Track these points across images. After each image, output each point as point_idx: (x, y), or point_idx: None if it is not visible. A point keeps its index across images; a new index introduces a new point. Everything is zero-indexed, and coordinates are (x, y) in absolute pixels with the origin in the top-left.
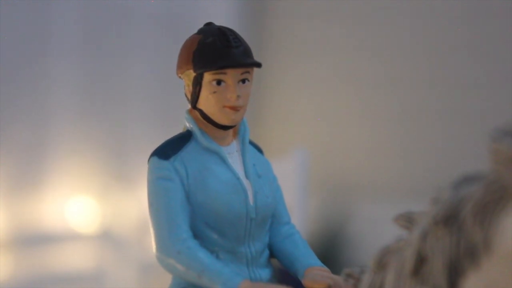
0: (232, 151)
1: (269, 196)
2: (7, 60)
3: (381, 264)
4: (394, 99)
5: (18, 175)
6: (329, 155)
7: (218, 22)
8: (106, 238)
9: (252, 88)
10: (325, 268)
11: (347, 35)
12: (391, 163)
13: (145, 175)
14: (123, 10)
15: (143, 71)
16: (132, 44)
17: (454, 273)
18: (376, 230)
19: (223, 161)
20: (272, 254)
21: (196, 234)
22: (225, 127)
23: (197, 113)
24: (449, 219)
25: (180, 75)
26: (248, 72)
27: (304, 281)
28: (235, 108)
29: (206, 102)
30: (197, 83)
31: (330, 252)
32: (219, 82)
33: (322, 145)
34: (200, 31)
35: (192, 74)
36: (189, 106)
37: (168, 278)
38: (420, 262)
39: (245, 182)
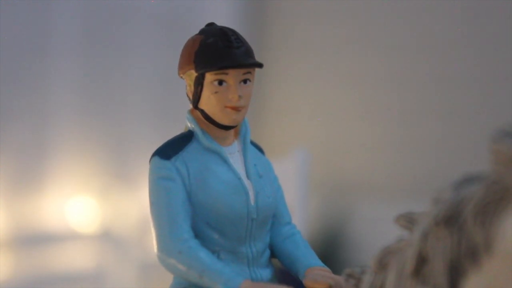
0: (233, 151)
1: (270, 196)
2: (7, 60)
3: (382, 264)
4: (394, 99)
5: (18, 175)
6: (330, 155)
7: (219, 22)
8: (107, 238)
9: (253, 88)
10: (326, 268)
11: (348, 35)
12: (392, 163)
13: (145, 175)
14: (123, 10)
15: (144, 71)
16: (132, 44)
17: (455, 274)
18: (377, 230)
19: (225, 161)
20: (273, 254)
21: (197, 234)
22: (226, 127)
23: (198, 113)
24: (450, 219)
25: (181, 75)
26: (249, 72)
27: (305, 281)
28: (236, 108)
29: (208, 102)
30: (199, 83)
31: (331, 252)
32: (220, 82)
33: (322, 145)
34: (202, 32)
35: (193, 74)
36: (190, 106)
37: (169, 278)
38: (421, 262)
39: (246, 182)
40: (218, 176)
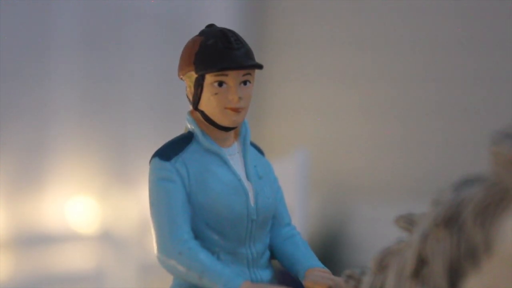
0: (233, 153)
1: (270, 198)
2: (7, 60)
3: (381, 266)
4: (394, 99)
5: (18, 175)
6: (330, 155)
7: (219, 22)
8: (107, 238)
9: (253, 89)
10: (326, 269)
11: (348, 35)
12: (392, 164)
13: (145, 176)
14: (124, 10)
15: (144, 72)
16: (132, 44)
17: (455, 275)
18: (377, 231)
19: (224, 162)
20: (272, 255)
21: (197, 235)
22: (226, 129)
23: (198, 115)
24: (450, 220)
25: (181, 76)
26: (249, 73)
27: (305, 283)
28: (236, 110)
29: (208, 103)
30: (199, 85)
31: (331, 253)
32: (220, 84)
33: (322, 145)
34: (202, 33)
35: (193, 75)
36: (190, 107)
37: (168, 279)
38: (421, 263)
39: (246, 183)
40: (218, 177)
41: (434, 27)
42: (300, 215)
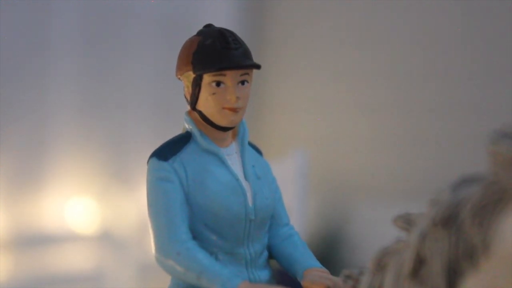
0: (231, 153)
1: (268, 198)
2: (7, 60)
3: (380, 266)
4: (393, 99)
5: (18, 175)
6: (329, 155)
7: (218, 22)
8: (106, 239)
9: (251, 89)
10: (324, 269)
11: (347, 35)
12: (391, 164)
13: (144, 176)
14: (123, 10)
15: (143, 72)
16: (132, 44)
17: (453, 275)
18: (375, 231)
19: (222, 162)
20: (271, 256)
21: (195, 236)
22: (224, 129)
23: (196, 115)
24: (448, 220)
25: (179, 76)
26: (247, 73)
27: (303, 283)
28: (234, 110)
29: (206, 103)
30: (197, 85)
31: (329, 253)
32: (218, 84)
33: (321, 145)
34: (200, 33)
35: (191, 75)
36: (188, 107)
37: (167, 279)
38: (419, 263)
39: (244, 183)
40: (216, 177)
41: (434, 27)
42: (299, 215)
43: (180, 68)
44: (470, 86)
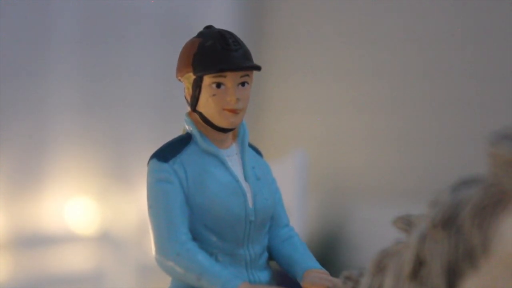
0: (231, 154)
1: (268, 199)
2: (7, 60)
3: (379, 267)
4: (393, 100)
5: (17, 176)
6: (329, 156)
7: (218, 22)
8: (105, 239)
9: (251, 90)
10: (324, 270)
11: (347, 35)
12: (390, 165)
13: (144, 177)
14: (123, 10)
15: (143, 73)
16: (132, 45)
17: (453, 276)
18: (375, 232)
19: (223, 163)
20: (271, 257)
21: (195, 237)
22: (224, 130)
23: (196, 116)
24: (448, 221)
25: (179, 78)
26: (247, 75)
27: (303, 284)
28: (234, 111)
29: (206, 104)
30: (197, 86)
31: (329, 254)
32: (218, 85)
33: (321, 146)
34: (200, 34)
35: (191, 77)
36: (188, 108)
37: (167, 280)
38: (419, 264)
39: (244, 184)
40: (216, 179)
41: (434, 26)
42: (299, 216)
43: (180, 70)
44: (470, 86)
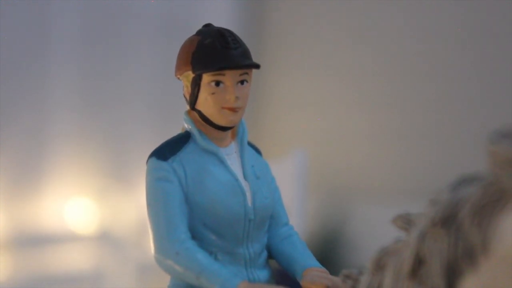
0: (230, 152)
1: (267, 198)
2: (7, 60)
3: (379, 266)
4: (393, 99)
5: (17, 176)
6: (328, 156)
7: (218, 22)
8: (105, 239)
9: (251, 89)
10: (324, 269)
11: (347, 36)
12: (390, 164)
13: (143, 176)
14: (123, 10)
15: (143, 72)
16: (131, 44)
17: (452, 275)
18: (374, 231)
19: (222, 162)
20: (270, 255)
21: (194, 235)
22: (223, 128)
23: (195, 114)
24: (447, 220)
25: (178, 76)
26: (246, 73)
27: (303, 283)
28: (233, 109)
29: (205, 103)
30: (196, 84)
31: (329, 253)
32: (217, 83)
33: (320, 145)
34: (199, 33)
35: (190, 75)
36: (187, 107)
37: (166, 279)
38: (418, 263)
39: (244, 183)
40: (215, 177)
41: (434, 26)
42: (298, 215)
43: (179, 68)
44: (470, 86)
